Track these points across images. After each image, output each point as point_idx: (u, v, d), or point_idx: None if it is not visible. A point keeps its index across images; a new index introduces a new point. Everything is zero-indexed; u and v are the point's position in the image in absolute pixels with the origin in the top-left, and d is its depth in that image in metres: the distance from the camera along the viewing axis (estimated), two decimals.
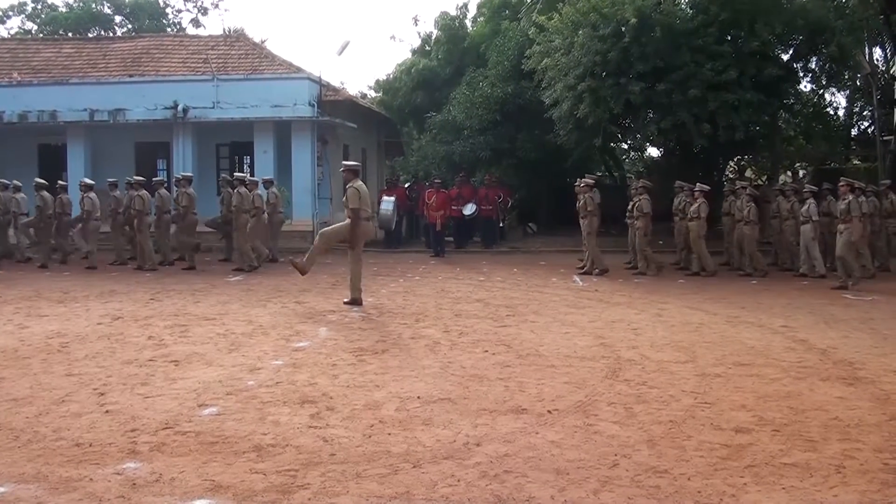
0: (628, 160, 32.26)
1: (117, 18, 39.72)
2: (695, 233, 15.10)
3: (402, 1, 72.40)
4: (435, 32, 31.25)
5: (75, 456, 4.90)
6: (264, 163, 21.03)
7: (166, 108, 21.40)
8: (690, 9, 19.36)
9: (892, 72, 24.98)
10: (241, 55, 23.70)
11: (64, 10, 38.76)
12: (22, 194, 17.39)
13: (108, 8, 39.20)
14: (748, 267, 15.04)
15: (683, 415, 5.79)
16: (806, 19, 18.36)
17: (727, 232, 16.45)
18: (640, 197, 15.41)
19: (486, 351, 8.05)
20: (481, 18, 30.58)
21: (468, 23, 31.81)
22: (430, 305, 11.27)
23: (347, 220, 11.18)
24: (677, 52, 17.64)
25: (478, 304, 11.46)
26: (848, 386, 6.66)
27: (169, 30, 38.84)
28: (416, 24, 59.26)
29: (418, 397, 6.25)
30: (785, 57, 20.13)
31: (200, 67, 22.73)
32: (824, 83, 23.60)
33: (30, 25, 39.43)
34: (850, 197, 13.36)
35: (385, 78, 32.65)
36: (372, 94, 34.34)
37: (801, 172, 27.06)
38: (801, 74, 20.97)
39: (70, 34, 34.45)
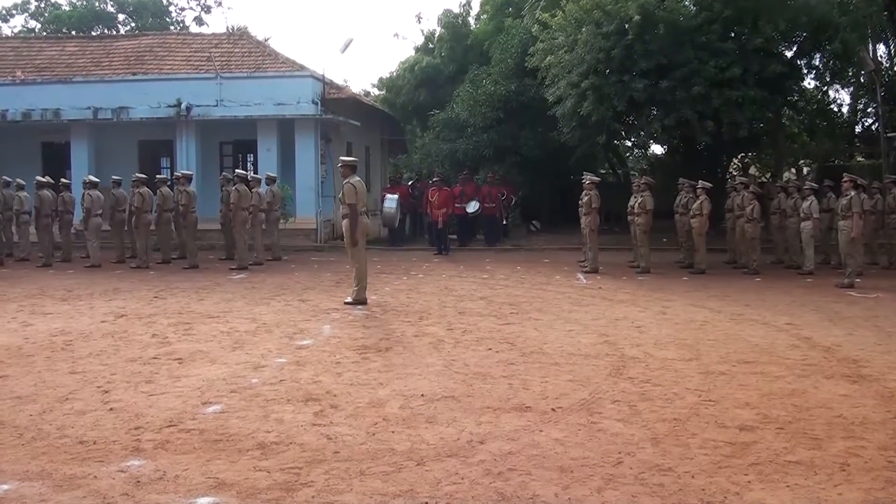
0: (632, 157, 32.24)
1: (121, 17, 39.79)
2: (697, 230, 15.09)
3: None
4: (438, 30, 31.26)
5: (79, 453, 4.91)
6: (268, 161, 21.03)
7: (170, 106, 21.41)
8: (694, 6, 19.33)
9: None
10: (245, 53, 23.71)
11: (67, 8, 38.83)
12: (24, 193, 17.40)
13: (112, 6, 39.26)
14: (752, 264, 15.01)
15: (687, 413, 5.78)
16: (810, 16, 18.32)
17: (729, 229, 16.43)
18: (643, 194, 15.40)
19: (490, 349, 8.05)
20: (484, 16, 30.58)
21: (471, 20, 31.82)
22: (434, 303, 11.27)
23: (345, 220, 11.15)
24: (681, 49, 17.61)
25: (481, 301, 11.46)
26: (852, 383, 6.64)
27: (172, 28, 38.86)
28: (420, 22, 59.17)
29: (422, 395, 6.25)
30: (789, 54, 20.11)
31: (204, 65, 22.73)
32: (828, 80, 23.61)
33: (33, 24, 39.52)
34: (852, 193, 13.33)
35: (388, 76, 32.71)
36: (375, 91, 34.40)
37: (804, 169, 27.02)
38: (805, 71, 20.97)
39: (73, 32, 34.49)
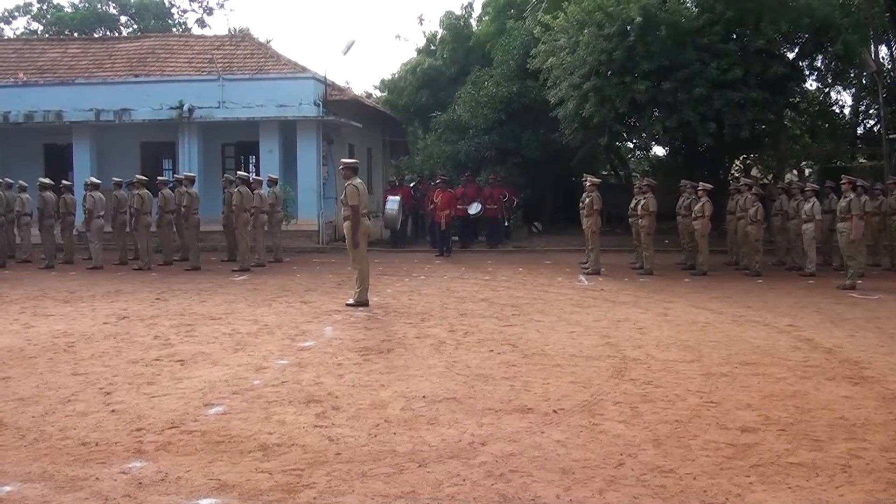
0: (633, 159, 32.25)
1: (123, 19, 39.83)
2: (699, 231, 15.09)
3: (407, 0, 72.46)
4: (440, 32, 31.30)
5: (81, 455, 4.91)
6: (269, 162, 21.06)
7: (172, 107, 21.44)
8: (696, 7, 19.34)
9: None
10: (247, 55, 23.73)
11: (69, 10, 38.86)
12: (26, 194, 17.43)
13: (114, 8, 39.29)
14: (754, 265, 15.00)
15: (689, 414, 5.78)
16: (811, 17, 18.32)
17: (731, 230, 16.42)
18: (645, 195, 15.39)
19: (492, 350, 8.05)
20: (486, 17, 30.61)
21: (473, 22, 31.86)
22: (436, 305, 11.27)
23: (347, 222, 11.15)
24: (683, 50, 17.61)
25: (483, 303, 11.46)
26: (854, 385, 6.64)
27: (174, 30, 38.92)
28: (422, 24, 59.46)
29: (424, 397, 6.25)
30: (790, 55, 20.11)
31: (206, 67, 22.77)
32: (830, 81, 23.57)
33: (35, 26, 39.56)
34: (852, 195, 13.32)
35: (390, 77, 32.76)
36: (377, 93, 34.42)
37: (806, 171, 27.02)
38: (807, 73, 20.94)
39: (76, 34, 34.52)
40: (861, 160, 27.43)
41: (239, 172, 17.96)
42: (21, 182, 17.63)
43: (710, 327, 9.40)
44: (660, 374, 7.01)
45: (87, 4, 38.73)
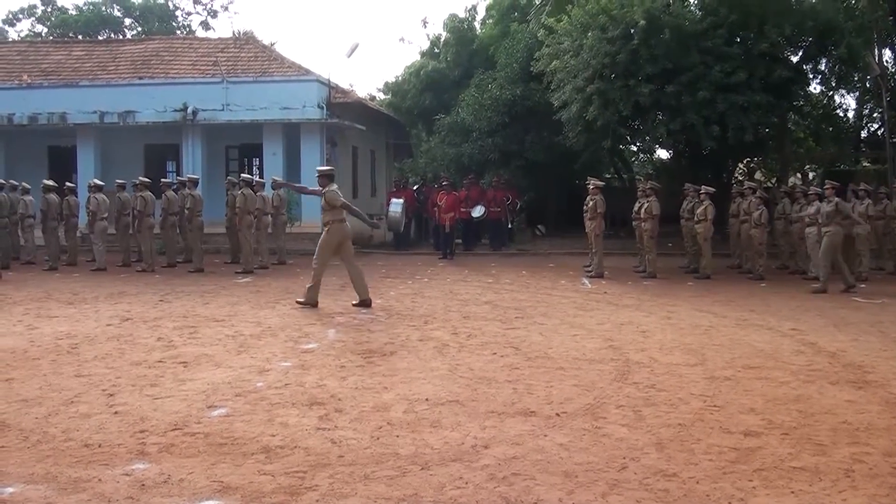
0: (637, 162, 32.23)
1: (127, 21, 39.91)
2: (702, 235, 15.07)
3: (410, 3, 72.57)
4: (444, 34, 31.31)
5: (84, 456, 4.92)
6: (273, 165, 21.10)
7: (176, 110, 21.49)
8: (699, 10, 19.35)
9: None
10: (251, 57, 23.78)
11: (74, 12, 38.98)
12: (30, 196, 17.46)
13: (118, 11, 39.38)
14: (757, 269, 14.98)
15: (692, 418, 5.77)
16: (815, 21, 18.32)
17: (734, 234, 16.41)
18: (648, 199, 15.39)
19: (495, 353, 8.05)
20: (490, 20, 30.63)
21: (477, 25, 31.88)
22: (439, 307, 11.27)
23: (324, 231, 11.18)
24: (686, 53, 17.61)
25: (486, 306, 11.45)
26: (857, 389, 6.63)
27: (178, 32, 39.02)
28: (425, 27, 58.75)
29: (426, 399, 6.25)
30: (794, 58, 20.10)
31: (210, 70, 22.82)
32: (834, 85, 23.56)
33: (40, 28, 39.70)
34: (836, 200, 13.30)
35: (394, 80, 32.75)
36: (381, 96, 34.42)
37: (810, 174, 26.98)
38: (811, 76, 20.95)
39: (80, 37, 34.61)
40: (865, 164, 27.41)
41: (243, 175, 17.99)
42: (25, 184, 17.67)
43: (714, 331, 9.39)
44: (663, 377, 7.01)
45: (91, 7, 38.86)
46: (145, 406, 6.04)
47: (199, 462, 4.82)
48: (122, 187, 17.28)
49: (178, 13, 41.79)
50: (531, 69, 21.41)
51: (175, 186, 17.12)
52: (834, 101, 26.35)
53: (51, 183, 17.35)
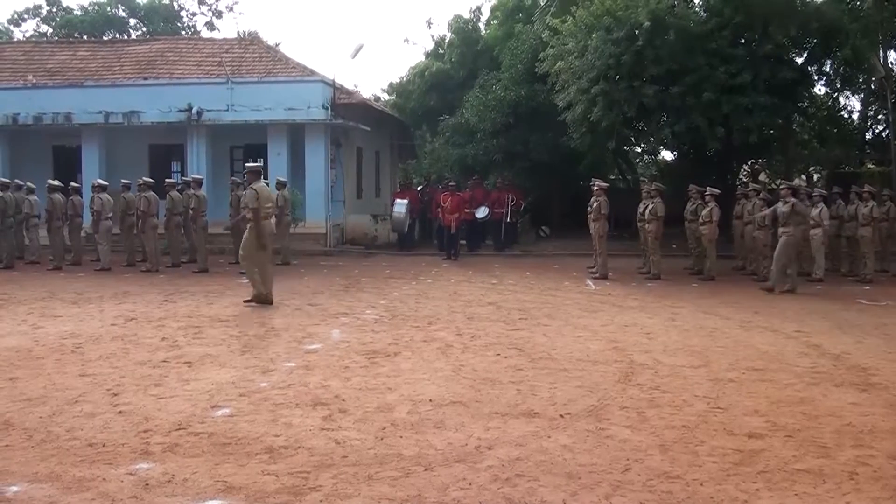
0: (641, 164, 32.22)
1: (132, 21, 39.97)
2: (707, 236, 15.05)
3: (415, 4, 72.57)
4: (448, 35, 31.31)
5: (88, 456, 4.93)
6: (278, 165, 21.08)
7: (180, 110, 21.49)
8: (704, 12, 19.34)
9: None
10: (255, 58, 23.77)
11: (79, 13, 39.01)
12: (35, 196, 17.49)
13: (123, 11, 39.43)
14: (762, 271, 14.95)
15: (696, 420, 5.76)
16: (820, 22, 18.28)
17: (738, 236, 16.38)
18: (653, 200, 15.37)
19: (499, 354, 8.05)
20: (495, 21, 30.63)
21: (481, 26, 31.88)
22: (443, 308, 11.27)
23: (249, 228, 11.25)
24: (691, 55, 17.60)
25: (490, 307, 11.45)
26: (861, 392, 6.62)
27: (183, 33, 39.05)
28: (430, 28, 59.05)
29: (430, 400, 6.25)
30: (799, 60, 20.08)
31: (215, 70, 22.82)
32: (839, 86, 23.51)
33: (45, 28, 39.73)
34: (793, 200, 13.35)
35: (398, 81, 32.80)
36: (385, 96, 34.46)
37: (815, 176, 26.93)
38: (816, 77, 20.92)
39: (85, 37, 34.66)
40: (869, 165, 27.31)
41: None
42: (29, 184, 17.69)
43: (718, 333, 9.38)
44: (667, 379, 7.00)
45: (96, 7, 38.89)
46: (149, 406, 6.05)
47: (203, 462, 4.83)
48: (127, 187, 17.30)
49: (182, 14, 41.86)
50: (536, 70, 21.41)
51: (179, 186, 17.13)
52: (839, 102, 26.25)
53: (55, 183, 17.38)
